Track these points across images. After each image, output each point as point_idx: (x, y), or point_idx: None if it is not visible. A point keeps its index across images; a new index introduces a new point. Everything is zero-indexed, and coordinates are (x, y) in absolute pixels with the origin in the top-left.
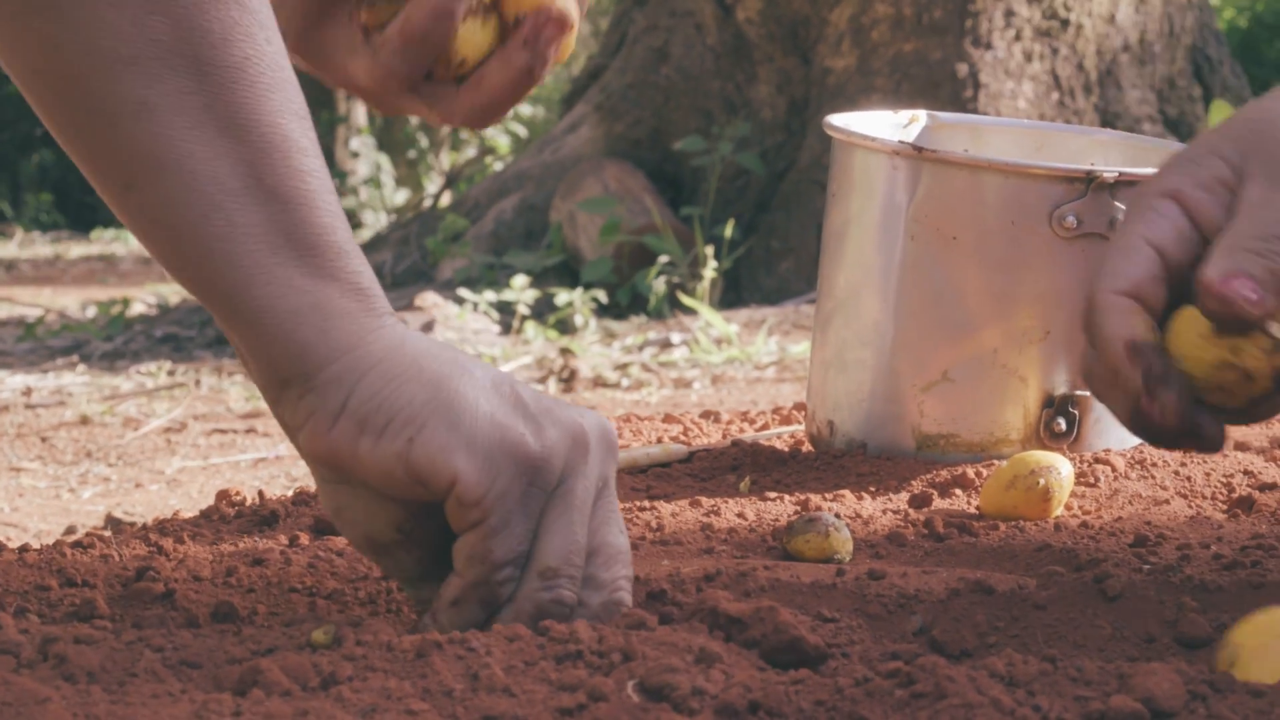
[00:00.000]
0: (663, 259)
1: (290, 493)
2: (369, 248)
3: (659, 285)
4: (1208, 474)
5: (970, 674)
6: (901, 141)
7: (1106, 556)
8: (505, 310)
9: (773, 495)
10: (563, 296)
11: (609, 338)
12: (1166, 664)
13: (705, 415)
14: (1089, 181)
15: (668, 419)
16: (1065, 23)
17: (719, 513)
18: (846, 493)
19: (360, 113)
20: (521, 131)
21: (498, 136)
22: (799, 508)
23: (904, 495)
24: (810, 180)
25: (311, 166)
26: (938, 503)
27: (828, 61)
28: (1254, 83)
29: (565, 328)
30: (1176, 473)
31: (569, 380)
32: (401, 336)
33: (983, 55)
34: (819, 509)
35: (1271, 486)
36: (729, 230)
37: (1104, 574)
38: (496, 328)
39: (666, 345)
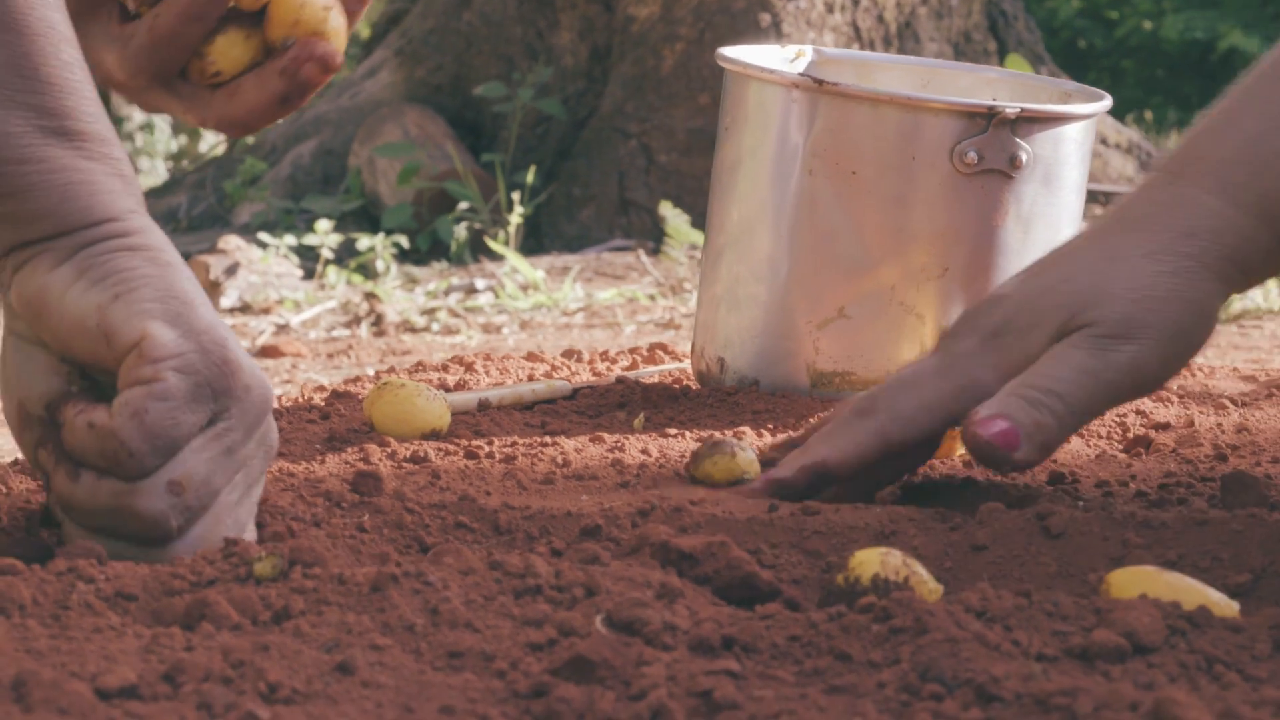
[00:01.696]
0: (463, 205)
1: None
2: (164, 191)
3: (460, 231)
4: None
5: (947, 609)
6: (801, 74)
7: (1037, 494)
8: (305, 255)
9: (673, 432)
10: (364, 242)
11: (411, 283)
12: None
13: (567, 354)
14: (990, 117)
15: (530, 357)
16: None
17: (624, 449)
18: (747, 429)
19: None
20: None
21: None
22: (701, 444)
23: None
24: (612, 128)
25: (78, 59)
26: None
27: (631, 9)
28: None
29: (367, 273)
30: None
31: (377, 324)
32: (155, 226)
33: (785, 5)
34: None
35: (1165, 426)
36: (531, 177)
37: (1046, 511)
38: (299, 272)
39: (471, 291)
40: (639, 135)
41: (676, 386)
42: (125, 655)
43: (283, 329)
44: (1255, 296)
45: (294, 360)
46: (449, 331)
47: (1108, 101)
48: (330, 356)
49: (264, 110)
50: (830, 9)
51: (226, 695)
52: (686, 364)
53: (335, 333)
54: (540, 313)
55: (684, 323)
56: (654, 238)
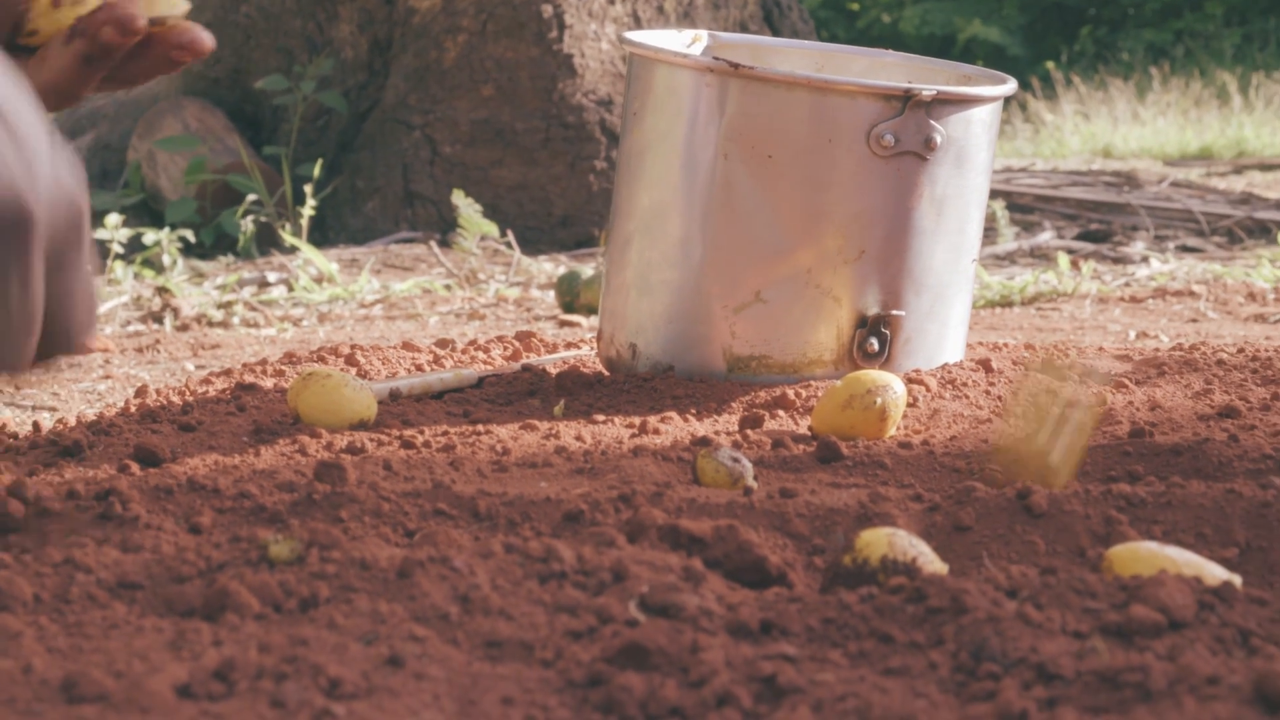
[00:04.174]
0: (249, 198)
1: (63, 422)
2: None
3: (247, 225)
4: (1014, 394)
5: (979, 588)
6: (716, 58)
7: (993, 476)
8: None
9: (600, 418)
10: (149, 236)
11: (198, 278)
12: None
13: (441, 344)
14: (906, 99)
15: (407, 346)
16: None
17: (559, 436)
18: (673, 415)
19: None
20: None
21: None
22: (634, 430)
23: (729, 416)
24: (395, 120)
25: None
26: (768, 424)
27: (412, 1)
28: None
29: (153, 268)
30: (987, 392)
31: (175, 318)
32: None
33: None
34: (656, 430)
35: (1075, 404)
36: (316, 170)
37: (1026, 490)
38: None
39: (264, 284)
40: (422, 127)
41: (587, 373)
42: (155, 651)
43: None
44: (1050, 280)
45: (104, 356)
46: (251, 325)
47: (1013, 84)
48: (140, 351)
49: (71, 74)
50: (611, 0)
51: (298, 692)
52: (586, 350)
53: (132, 328)
54: (338, 305)
55: (487, 313)
56: (440, 230)
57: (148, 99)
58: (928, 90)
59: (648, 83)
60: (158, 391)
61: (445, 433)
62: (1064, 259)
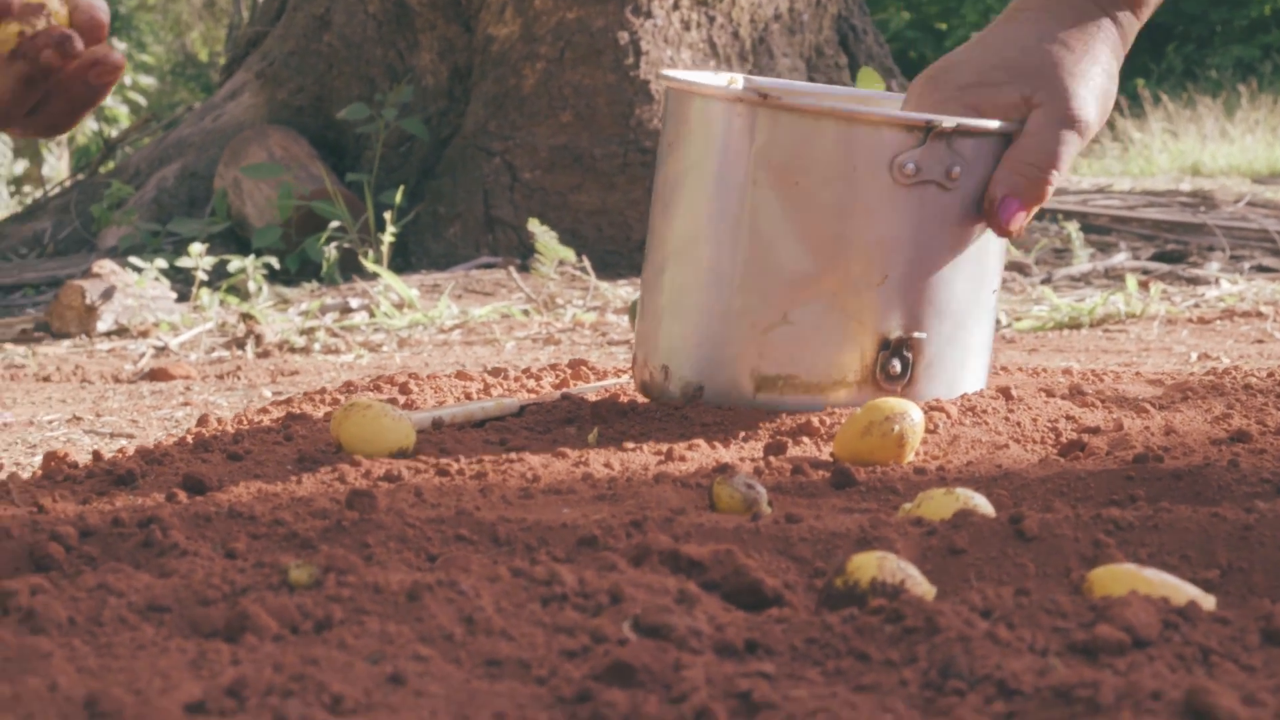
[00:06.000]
0: (332, 225)
1: (108, 452)
2: (26, 216)
3: (331, 252)
4: (1034, 419)
5: (954, 608)
6: (745, 88)
7: (1001, 500)
8: (175, 277)
9: (630, 445)
10: (234, 263)
11: (283, 304)
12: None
13: (494, 372)
14: (928, 130)
15: (460, 376)
16: None
17: (589, 463)
18: (700, 442)
19: None
20: (140, 100)
21: (117, 106)
22: (661, 457)
23: (754, 443)
24: (475, 147)
25: None
26: (791, 450)
27: (491, 29)
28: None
29: (239, 294)
30: (1006, 418)
31: (258, 344)
32: None
33: (643, 23)
34: (682, 458)
35: (1096, 430)
36: (398, 196)
37: (1018, 515)
38: (173, 295)
39: (346, 310)
40: (502, 153)
41: (623, 401)
42: (176, 670)
43: (162, 351)
44: (1117, 302)
45: (185, 383)
46: (331, 351)
47: None
48: (220, 378)
49: (10, 95)
50: (687, 26)
51: (299, 708)
52: (625, 379)
53: (216, 354)
54: (417, 330)
55: (562, 338)
56: (521, 254)
57: (233, 127)
58: (948, 122)
59: (682, 114)
60: (218, 420)
61: (480, 460)
62: (1132, 281)
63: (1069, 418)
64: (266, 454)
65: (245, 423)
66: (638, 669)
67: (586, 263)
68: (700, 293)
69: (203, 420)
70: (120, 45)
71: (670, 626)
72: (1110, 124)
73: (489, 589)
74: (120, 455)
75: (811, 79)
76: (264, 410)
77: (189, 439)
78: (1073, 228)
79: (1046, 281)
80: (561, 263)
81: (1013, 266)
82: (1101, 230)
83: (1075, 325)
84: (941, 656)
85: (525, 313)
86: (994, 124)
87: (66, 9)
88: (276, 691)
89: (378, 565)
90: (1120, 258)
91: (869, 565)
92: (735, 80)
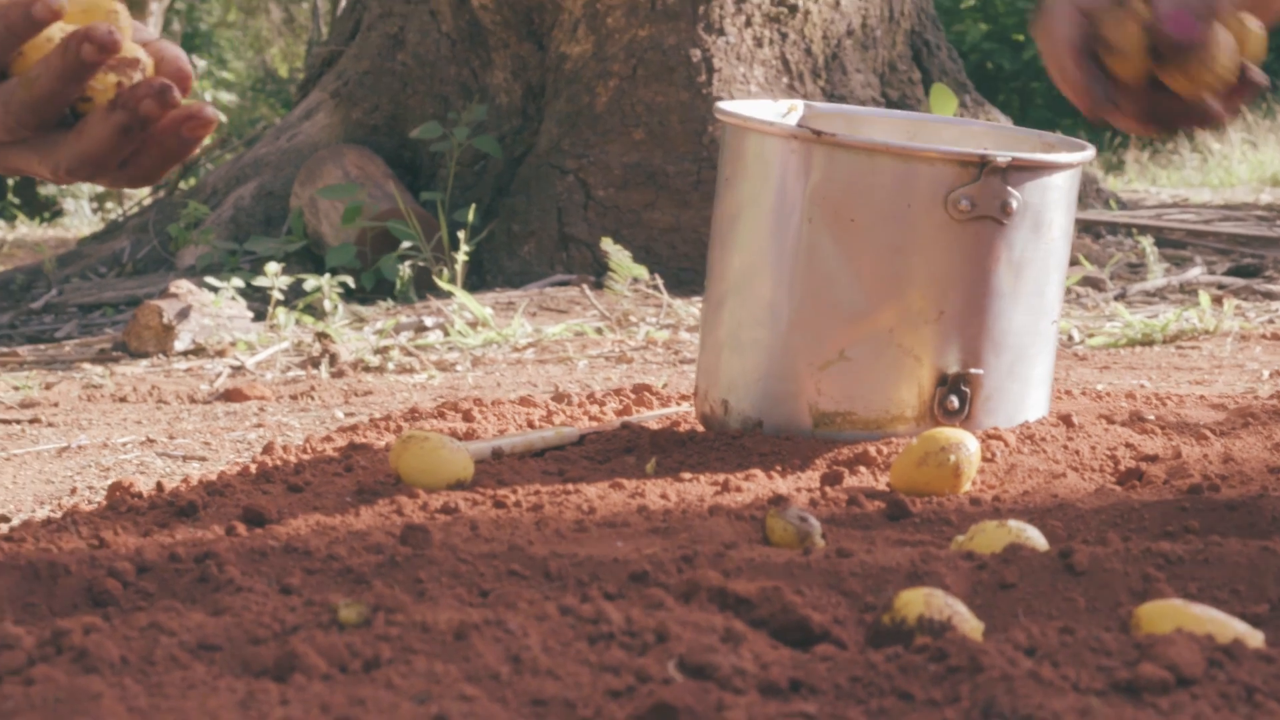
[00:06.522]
0: (406, 244)
1: (171, 482)
2: (105, 235)
3: (405, 270)
4: (1093, 447)
5: (998, 647)
6: (800, 125)
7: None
8: (251, 296)
9: (687, 476)
10: (310, 282)
11: (359, 322)
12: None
13: (557, 398)
14: (983, 166)
15: (524, 402)
16: (793, 8)
17: (644, 494)
18: (758, 472)
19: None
20: (221, 117)
21: None
22: (717, 488)
23: (811, 474)
24: (549, 165)
25: None
26: (848, 480)
27: (564, 47)
28: None
29: (315, 313)
30: (1065, 446)
31: (332, 364)
32: None
33: (715, 41)
34: (738, 489)
35: (1154, 458)
36: (471, 215)
37: (1069, 549)
38: (250, 314)
39: (420, 329)
40: (576, 171)
41: (681, 430)
42: (225, 711)
43: (239, 371)
44: (1191, 318)
45: (260, 403)
46: (405, 370)
47: (1091, 151)
48: (294, 398)
49: (108, 144)
50: (759, 43)
51: None
52: (685, 407)
53: (291, 374)
54: (491, 349)
55: (635, 356)
56: (595, 272)
57: (309, 146)
58: (1002, 156)
59: (739, 150)
60: (283, 448)
61: (537, 492)
62: (1205, 297)
63: (1128, 445)
64: (326, 485)
65: (309, 451)
66: (680, 710)
67: (659, 280)
68: (758, 328)
69: (268, 448)
70: (201, 62)
71: (714, 666)
72: (1188, 135)
73: (536, 627)
74: (183, 486)
75: (885, 94)
76: (327, 438)
77: (252, 468)
78: (1147, 242)
79: (1121, 297)
80: (635, 280)
81: (1087, 282)
82: (1176, 245)
83: (1148, 342)
84: (984, 696)
85: (599, 331)
86: (1048, 158)
87: (153, 62)
88: None
89: (429, 601)
90: (1195, 272)
91: (916, 602)
92: (795, 107)
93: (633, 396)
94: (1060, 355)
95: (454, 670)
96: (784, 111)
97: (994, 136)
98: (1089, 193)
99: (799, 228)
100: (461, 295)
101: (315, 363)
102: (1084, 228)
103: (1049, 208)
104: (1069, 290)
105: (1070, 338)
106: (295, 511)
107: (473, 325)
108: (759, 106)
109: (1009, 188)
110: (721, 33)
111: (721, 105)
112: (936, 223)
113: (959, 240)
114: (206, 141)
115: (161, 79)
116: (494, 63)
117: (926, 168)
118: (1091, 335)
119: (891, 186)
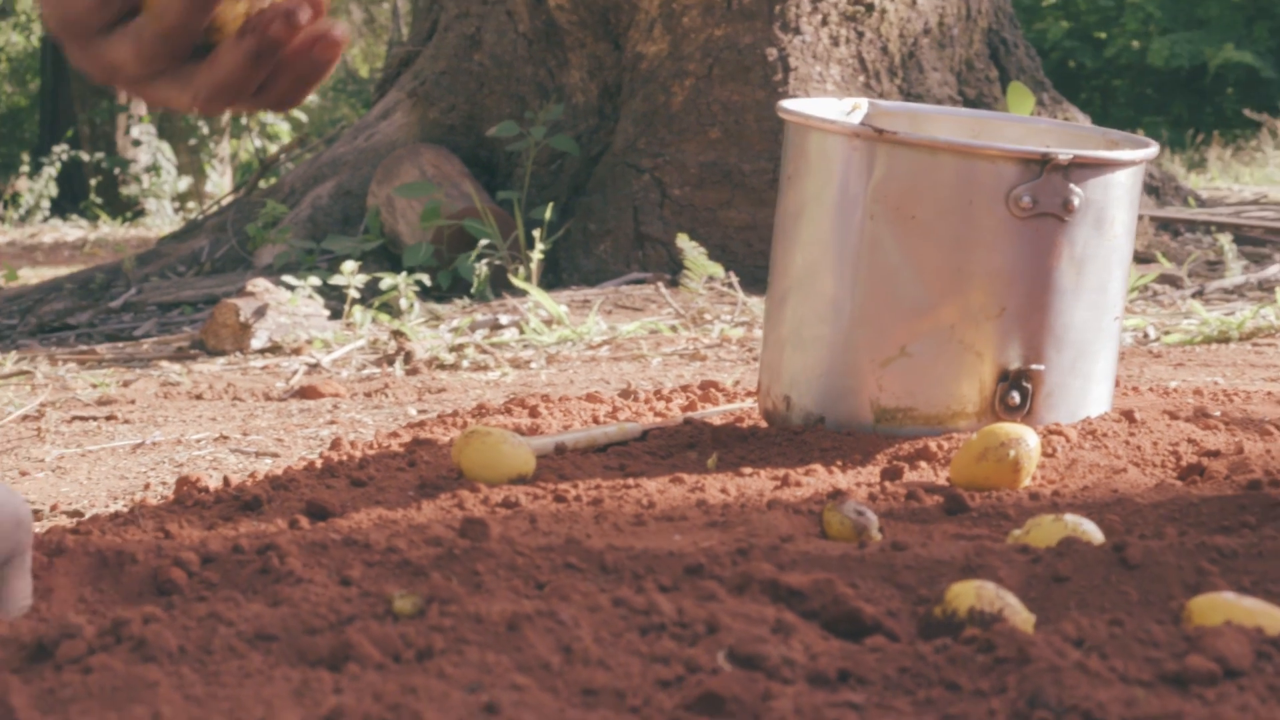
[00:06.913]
0: (483, 243)
1: (239, 477)
2: (185, 235)
3: (481, 269)
4: (1155, 443)
5: (1047, 639)
6: (862, 124)
7: (1112, 525)
8: (329, 294)
9: (748, 471)
10: (387, 281)
11: (435, 320)
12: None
13: (624, 394)
14: (1044, 163)
15: (590, 398)
16: (870, 7)
17: (704, 489)
18: (818, 467)
19: (141, 101)
20: (302, 117)
21: (278, 123)
22: (777, 483)
23: (871, 468)
24: (625, 164)
25: None
26: (908, 475)
27: (640, 47)
28: None
29: (391, 311)
30: (1126, 442)
31: (408, 361)
32: None
33: (791, 40)
34: (798, 484)
35: (1216, 454)
36: (547, 213)
37: (1122, 543)
38: (326, 312)
39: (496, 327)
40: (652, 170)
41: (743, 426)
42: (280, 699)
43: (314, 368)
44: (1268, 315)
45: (334, 400)
46: (479, 368)
47: (1154, 149)
48: (368, 396)
49: (241, 72)
50: (835, 42)
51: None
52: (749, 403)
53: (366, 371)
54: (566, 346)
55: (709, 354)
56: (670, 270)
57: (386, 146)
58: (1064, 154)
59: (801, 148)
60: (350, 444)
61: (597, 486)
62: None
63: (1190, 440)
64: (389, 480)
65: (374, 447)
66: (727, 699)
67: (734, 278)
68: (820, 325)
69: (335, 444)
70: None
71: (763, 656)
72: (1272, 131)
73: (589, 619)
74: (249, 481)
75: (962, 93)
76: (394, 434)
77: (317, 464)
78: (1225, 240)
79: (1198, 294)
80: (710, 279)
81: (1164, 279)
82: (1255, 242)
83: (1224, 339)
84: (1030, 687)
85: (673, 328)
86: (1109, 155)
87: None
88: None
89: (484, 593)
90: (1273, 270)
91: (967, 594)
92: (859, 105)
93: (699, 393)
94: (1135, 353)
95: (505, 660)
96: (848, 110)
97: (1057, 134)
98: (1167, 190)
99: (861, 225)
100: (537, 293)
101: (390, 360)
102: (1162, 225)
103: (1111, 204)
104: (1146, 288)
105: (1146, 335)
106: (358, 505)
107: (548, 323)
108: (822, 105)
109: (1071, 185)
110: (798, 31)
111: (784, 103)
112: (998, 219)
113: (1020, 237)
114: (286, 130)
115: (288, 3)
116: (570, 62)
117: (988, 165)
118: (1167, 333)
119: (953, 184)
